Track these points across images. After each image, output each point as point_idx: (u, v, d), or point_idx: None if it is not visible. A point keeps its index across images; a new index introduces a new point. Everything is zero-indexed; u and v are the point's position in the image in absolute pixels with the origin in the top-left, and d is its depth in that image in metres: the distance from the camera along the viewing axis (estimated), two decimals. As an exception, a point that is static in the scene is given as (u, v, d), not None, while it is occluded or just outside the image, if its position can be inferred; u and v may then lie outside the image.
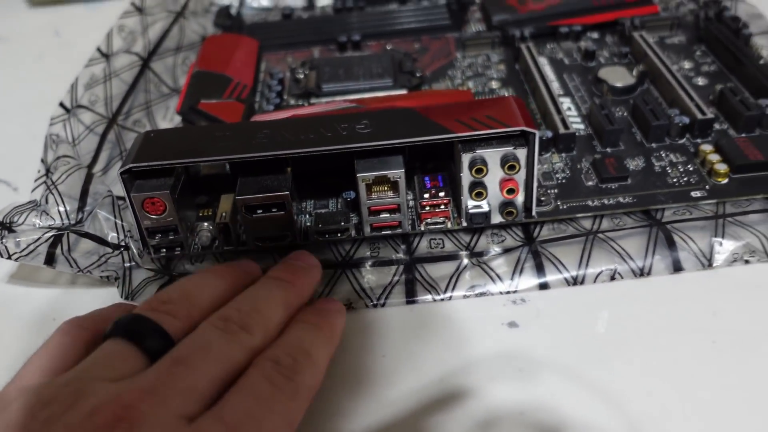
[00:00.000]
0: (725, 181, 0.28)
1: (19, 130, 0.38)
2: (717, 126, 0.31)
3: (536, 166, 0.26)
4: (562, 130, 0.31)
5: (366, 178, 0.26)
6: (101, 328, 0.20)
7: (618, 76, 0.35)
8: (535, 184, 0.27)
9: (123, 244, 0.27)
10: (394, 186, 0.26)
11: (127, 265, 0.27)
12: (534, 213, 0.27)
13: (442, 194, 0.27)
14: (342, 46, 0.40)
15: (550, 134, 0.31)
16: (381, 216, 0.27)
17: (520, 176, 0.26)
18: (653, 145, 0.31)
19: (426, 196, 0.27)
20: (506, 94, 0.35)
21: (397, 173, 0.26)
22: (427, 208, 0.27)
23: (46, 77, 0.43)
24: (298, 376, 0.19)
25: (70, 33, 0.49)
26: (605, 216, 0.28)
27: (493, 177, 0.26)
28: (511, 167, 0.26)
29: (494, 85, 0.36)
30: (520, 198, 0.27)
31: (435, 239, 0.28)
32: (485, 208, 0.27)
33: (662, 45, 0.38)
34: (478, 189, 0.26)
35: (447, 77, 0.37)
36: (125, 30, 0.39)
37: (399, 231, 0.27)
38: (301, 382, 0.19)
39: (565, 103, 0.34)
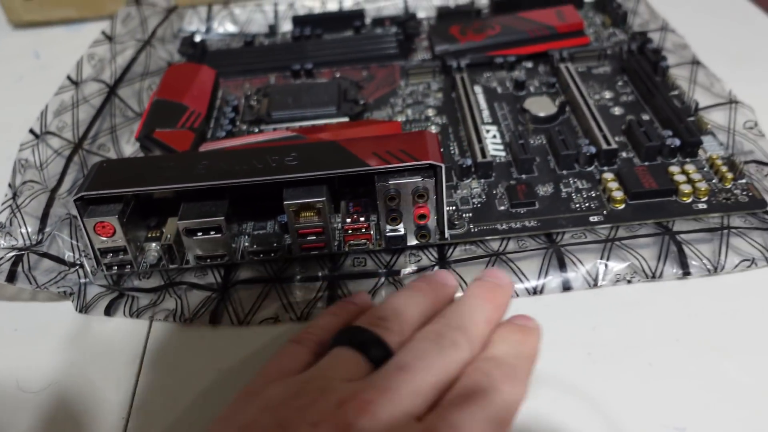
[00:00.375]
0: (622, 207, 0.32)
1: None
2: (624, 154, 0.35)
3: (445, 195, 0.29)
4: (479, 159, 0.34)
5: (292, 205, 0.29)
6: (323, 338, 0.24)
7: (541, 106, 0.38)
8: (446, 210, 0.30)
9: (78, 262, 0.30)
10: (318, 212, 0.29)
11: (82, 281, 0.31)
12: (447, 236, 0.31)
13: (362, 219, 0.30)
14: (296, 74, 0.43)
15: (469, 162, 0.34)
16: (308, 238, 0.30)
17: (431, 204, 0.29)
18: (564, 172, 0.34)
19: (348, 220, 0.30)
20: (440, 122, 0.38)
21: (319, 201, 0.29)
22: (350, 231, 0.30)
23: (25, 99, 0.46)
24: (507, 388, 0.21)
25: (50, 55, 0.52)
26: (512, 238, 0.31)
27: (407, 204, 0.29)
28: (421, 196, 0.29)
29: (430, 113, 0.39)
30: (432, 222, 0.30)
31: (359, 258, 0.31)
32: (401, 232, 0.30)
33: (589, 75, 0.41)
34: (393, 215, 0.29)
35: (389, 105, 0.40)
36: (95, 58, 0.42)
37: (326, 251, 0.31)
38: (510, 393, 0.21)
39: (492, 131, 0.37)
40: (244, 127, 0.39)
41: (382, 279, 0.30)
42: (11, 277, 0.29)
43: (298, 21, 0.48)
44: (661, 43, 0.43)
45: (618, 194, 0.31)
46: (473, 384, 0.21)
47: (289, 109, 0.39)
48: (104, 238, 0.29)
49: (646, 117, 0.37)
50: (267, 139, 0.35)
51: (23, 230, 0.30)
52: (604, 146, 0.34)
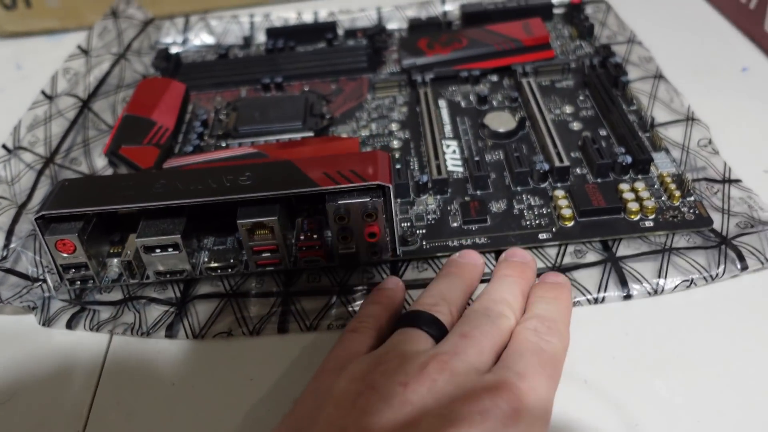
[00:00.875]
0: (571, 224, 0.32)
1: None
2: (578, 171, 0.35)
3: (396, 213, 0.30)
4: (434, 176, 0.35)
5: (245, 224, 0.30)
6: (375, 324, 0.27)
7: (501, 122, 0.38)
8: (397, 228, 0.31)
9: (41, 277, 0.31)
10: (271, 230, 0.30)
11: (45, 295, 0.32)
12: (399, 252, 0.32)
13: (315, 236, 0.31)
14: (266, 87, 0.44)
15: (425, 178, 0.35)
16: (263, 255, 0.31)
17: (381, 222, 0.30)
18: (518, 188, 0.35)
19: (302, 237, 0.31)
20: (403, 137, 0.39)
21: (271, 220, 0.30)
22: (304, 248, 0.31)
23: (5, 111, 0.46)
24: (553, 338, 0.25)
25: (31, 66, 0.53)
26: (462, 255, 0.32)
27: (357, 223, 0.30)
28: (369, 215, 0.30)
29: (394, 127, 0.40)
30: (383, 240, 0.31)
31: (313, 275, 0.32)
32: (353, 249, 0.31)
33: (552, 89, 0.41)
34: (344, 233, 0.30)
35: (354, 119, 0.41)
36: (70, 72, 0.43)
37: (281, 267, 0.32)
38: (556, 343, 0.25)
39: (452, 146, 0.38)
40: (213, 141, 0.40)
41: (334, 298, 0.31)
42: (-25, 293, 0.30)
43: (272, 33, 0.49)
44: (626, 56, 0.44)
45: (567, 212, 0.32)
46: (524, 340, 0.25)
47: (256, 123, 0.40)
48: (66, 255, 0.30)
49: (603, 132, 0.38)
50: (228, 156, 0.36)
51: (-13, 247, 0.31)
52: (557, 163, 0.34)
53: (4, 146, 0.37)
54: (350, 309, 0.30)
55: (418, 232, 0.33)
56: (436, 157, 0.36)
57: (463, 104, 0.41)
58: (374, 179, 0.29)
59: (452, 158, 0.37)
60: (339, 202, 0.29)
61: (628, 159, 0.34)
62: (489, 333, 0.25)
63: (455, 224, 0.33)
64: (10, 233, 0.32)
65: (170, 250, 0.31)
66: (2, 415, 0.28)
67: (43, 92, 0.41)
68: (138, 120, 0.39)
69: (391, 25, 0.50)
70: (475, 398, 0.22)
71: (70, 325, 0.31)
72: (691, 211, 0.32)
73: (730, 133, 0.37)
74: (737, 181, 0.34)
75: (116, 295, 0.32)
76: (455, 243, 0.32)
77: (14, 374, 0.30)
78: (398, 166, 0.35)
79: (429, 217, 0.34)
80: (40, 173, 0.37)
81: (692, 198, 0.33)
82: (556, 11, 0.49)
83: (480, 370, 0.24)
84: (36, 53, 0.54)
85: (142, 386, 0.29)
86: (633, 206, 0.32)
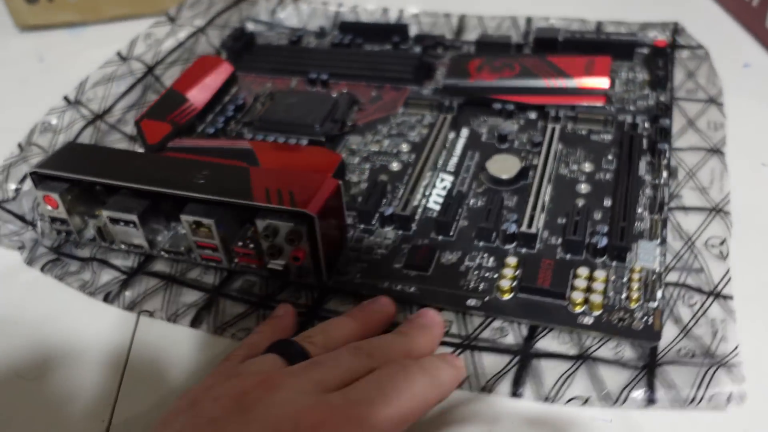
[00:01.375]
0: (508, 297, 0.30)
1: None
2: (553, 240, 0.32)
3: (320, 241, 0.30)
4: (398, 211, 0.34)
5: (188, 220, 0.32)
6: (250, 354, 0.27)
7: (504, 167, 0.36)
8: (323, 255, 0.31)
9: (34, 223, 0.36)
10: (210, 230, 0.32)
11: (35, 238, 0.36)
12: (326, 280, 0.32)
13: (252, 246, 0.32)
14: (312, 82, 0.45)
15: (390, 211, 0.34)
16: (206, 251, 0.33)
17: (305, 248, 0.30)
18: (480, 243, 0.32)
19: (240, 243, 0.32)
20: (407, 160, 0.38)
21: (208, 221, 0.31)
22: (241, 254, 0.32)
23: (27, 103, 0.44)
24: (421, 382, 0.24)
25: (53, 59, 0.55)
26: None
27: (284, 243, 0.30)
28: (292, 240, 0.30)
29: (404, 147, 0.39)
30: (308, 265, 0.31)
31: (250, 279, 0.33)
32: (281, 267, 0.31)
33: (586, 140, 0.37)
34: (272, 250, 0.31)
35: (374, 131, 0.40)
36: (151, 38, 0.47)
37: (223, 266, 0.33)
38: (419, 389, 0.24)
39: (446, 181, 0.36)
40: (238, 127, 0.42)
41: (251, 308, 0.32)
42: (-23, 226, 0.35)
43: (344, 27, 0.49)
44: (696, 117, 0.38)
45: (505, 283, 0.30)
46: (388, 368, 0.24)
47: (278, 118, 0.41)
48: (50, 208, 0.34)
49: (608, 203, 0.34)
50: (220, 147, 0.37)
51: (4, 186, 0.37)
52: (524, 228, 0.32)
53: (65, 98, 0.42)
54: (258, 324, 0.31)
55: (358, 264, 0.32)
56: (412, 192, 0.35)
57: (483, 138, 0.39)
58: (303, 206, 0.29)
59: (438, 194, 0.35)
60: (267, 220, 0.30)
61: (604, 241, 0.30)
62: (344, 366, 0.24)
63: (397, 265, 0.32)
64: (24, 178, 0.37)
65: (131, 225, 0.34)
66: (35, 389, 0.30)
67: (118, 54, 0.46)
68: (177, 96, 0.42)
69: (469, 36, 0.48)
70: (283, 418, 0.22)
71: (43, 269, 0.35)
72: (644, 319, 0.28)
73: (731, 128, 0.38)
74: (728, 297, 0.29)
75: (86, 253, 0.36)
76: (385, 285, 0.31)
77: (46, 352, 0.32)
78: (363, 194, 0.35)
79: (379, 251, 0.33)
80: (83, 129, 0.42)
81: (655, 304, 0.28)
82: (640, 50, 0.44)
83: (314, 393, 0.23)
84: (57, 46, 0.56)
85: (167, 368, 0.30)
86: (577, 297, 0.29)
